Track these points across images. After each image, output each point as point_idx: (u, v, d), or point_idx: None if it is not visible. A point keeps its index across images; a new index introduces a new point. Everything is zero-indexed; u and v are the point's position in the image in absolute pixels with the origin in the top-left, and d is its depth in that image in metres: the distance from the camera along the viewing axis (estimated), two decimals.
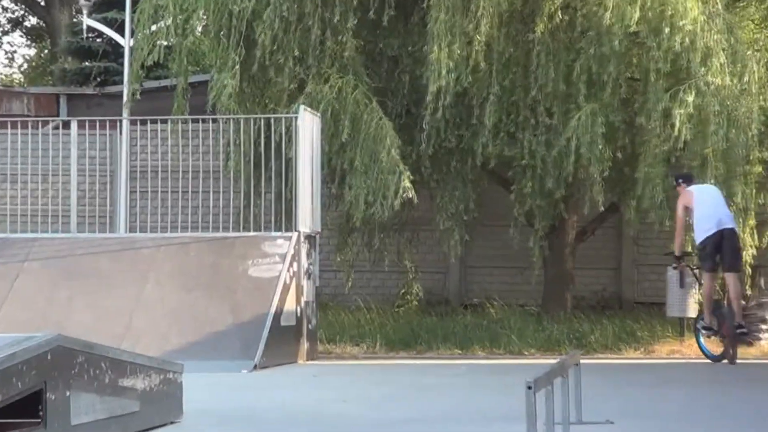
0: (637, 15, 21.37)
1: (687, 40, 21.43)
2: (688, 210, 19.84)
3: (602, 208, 23.86)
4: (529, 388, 8.13)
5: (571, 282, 24.99)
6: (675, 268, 20.56)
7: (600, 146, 21.46)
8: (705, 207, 19.71)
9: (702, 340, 20.26)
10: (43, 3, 54.69)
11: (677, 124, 21.16)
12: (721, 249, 19.48)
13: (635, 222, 23.86)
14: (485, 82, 22.05)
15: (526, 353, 21.28)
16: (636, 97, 22.27)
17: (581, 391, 10.87)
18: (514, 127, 22.42)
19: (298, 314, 19.92)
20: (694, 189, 20.02)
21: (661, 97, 21.44)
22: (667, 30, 21.39)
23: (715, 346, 20.10)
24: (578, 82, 21.74)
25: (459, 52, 21.33)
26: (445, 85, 21.29)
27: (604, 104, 21.71)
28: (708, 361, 19.80)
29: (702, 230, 19.59)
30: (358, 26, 23.11)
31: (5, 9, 57.66)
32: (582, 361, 11.21)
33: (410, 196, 21.76)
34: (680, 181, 20.25)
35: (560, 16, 22.05)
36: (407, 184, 21.61)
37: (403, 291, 26.09)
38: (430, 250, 26.09)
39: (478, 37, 21.32)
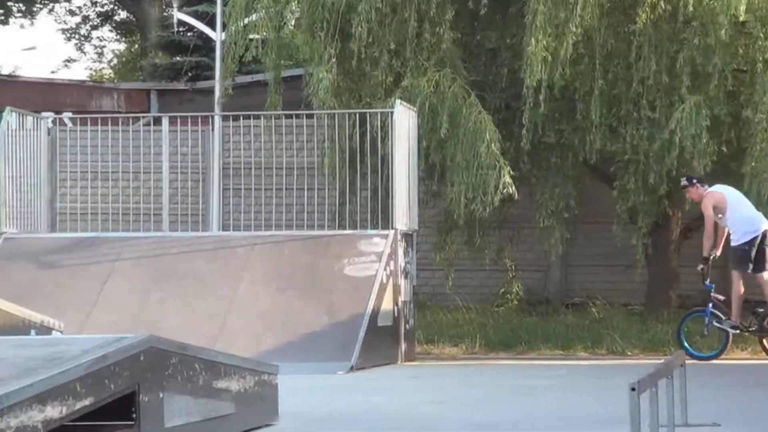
0: (744, 4, 21.27)
1: None
2: (717, 210, 19.95)
3: None
4: (633, 389, 8.16)
5: (675, 280, 24.91)
6: (702, 269, 20.46)
7: (704, 140, 21.39)
8: (746, 209, 20.07)
9: (684, 337, 20.49)
10: None
11: None
12: (759, 250, 19.79)
13: None
14: (587, 75, 22.03)
15: (630, 354, 21.25)
16: (742, 89, 22.15)
17: (686, 392, 10.88)
18: (616, 121, 22.40)
19: (396, 314, 19.98)
20: (722, 190, 20.23)
21: None
22: None
23: (701, 346, 20.57)
24: (682, 73, 21.66)
25: (558, 44, 21.30)
26: (544, 79, 21.28)
27: (708, 97, 21.62)
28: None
29: (747, 232, 19.89)
30: (455, 18, 23.16)
31: (94, 3, 58.00)
32: (687, 362, 11.22)
33: (511, 191, 21.75)
34: (694, 181, 20.40)
35: (663, 6, 21.99)
36: (508, 179, 21.59)
37: (503, 290, 26.10)
38: (531, 248, 26.09)
39: (578, 29, 21.31)
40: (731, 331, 20.22)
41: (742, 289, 20.17)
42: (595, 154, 22.63)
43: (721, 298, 20.46)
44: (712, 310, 20.32)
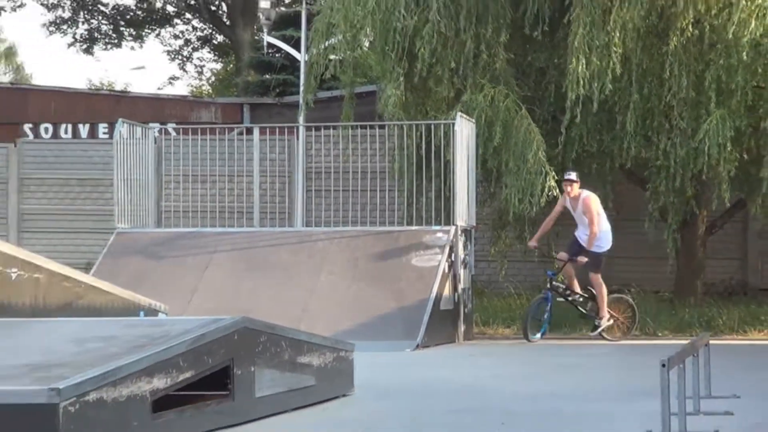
0: (762, 29, 21.22)
1: None
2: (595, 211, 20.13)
3: (729, 205, 23.63)
4: (663, 366, 8.17)
5: (701, 271, 24.81)
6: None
7: (728, 148, 21.28)
8: (606, 221, 20.44)
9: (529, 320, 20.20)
10: (228, 22, 55.16)
11: None
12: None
13: (760, 217, 23.71)
14: (625, 91, 21.98)
15: (660, 335, 21.16)
16: (761, 104, 22.01)
17: (710, 369, 10.87)
18: (649, 131, 22.32)
19: (456, 299, 20.02)
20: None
21: None
22: None
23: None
24: (708, 90, 21.59)
25: (597, 63, 21.26)
26: (582, 94, 21.27)
27: (731, 110, 21.53)
28: None
29: (608, 241, 20.44)
30: (508, 41, 23.12)
31: (195, 28, 58.26)
32: (711, 342, 11.20)
33: (555, 194, 21.75)
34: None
35: (691, 31, 21.89)
36: (552, 183, 21.61)
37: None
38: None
39: (616, 49, 21.29)
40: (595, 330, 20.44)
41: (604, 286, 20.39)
42: (631, 161, 22.57)
43: (563, 286, 20.50)
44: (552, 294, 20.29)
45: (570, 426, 10.06)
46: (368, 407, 11.31)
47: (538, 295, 20.49)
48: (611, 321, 20.43)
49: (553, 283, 20.31)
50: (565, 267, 20.38)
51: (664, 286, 25.01)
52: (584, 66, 21.17)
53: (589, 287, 20.46)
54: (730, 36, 21.40)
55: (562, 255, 20.46)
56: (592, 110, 21.59)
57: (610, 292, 20.65)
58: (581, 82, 21.19)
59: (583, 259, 20.06)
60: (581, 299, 20.55)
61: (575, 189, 20.05)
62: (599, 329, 20.24)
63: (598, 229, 19.96)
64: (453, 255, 19.98)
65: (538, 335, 19.96)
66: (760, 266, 26.70)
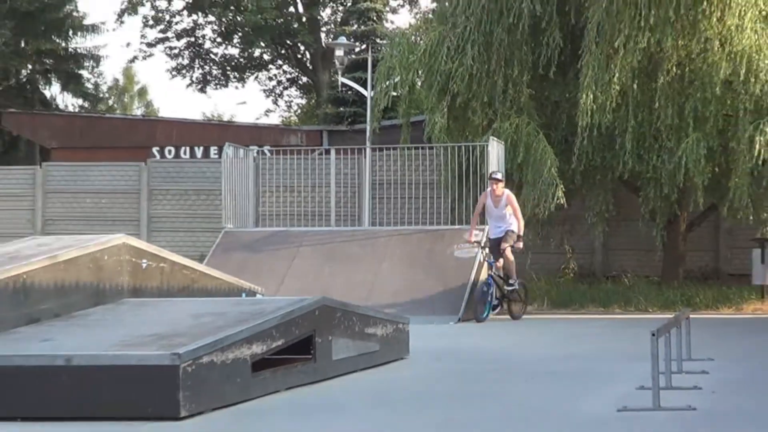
0: (730, 69, 21.11)
1: (766, 87, 21.16)
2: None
3: (703, 208, 23.47)
4: (653, 335, 8.13)
5: (682, 260, 24.61)
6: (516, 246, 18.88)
7: (702, 164, 21.15)
8: None
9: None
10: (311, 67, 55.27)
11: (758, 147, 20.85)
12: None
13: (728, 217, 23.56)
14: (623, 118, 21.85)
15: (650, 311, 21.02)
16: (729, 128, 21.83)
17: (690, 337, 10.80)
18: (642, 150, 22.18)
19: None
20: None
21: (747, 128, 21.06)
22: (752, 80, 21.06)
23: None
24: (687, 117, 21.43)
25: (602, 97, 21.19)
26: (589, 122, 21.22)
27: (706, 133, 21.36)
28: None
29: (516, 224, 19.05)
30: (530, 80, 23.06)
31: (285, 72, 58.35)
32: (691, 316, 11.14)
33: (562, 202, 21.77)
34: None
35: (674, 71, 21.74)
36: (560, 193, 21.63)
37: (563, 266, 25.91)
38: (582, 238, 25.88)
39: (616, 86, 21.21)
40: (508, 288, 18.79)
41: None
42: (627, 173, 22.44)
43: (500, 275, 18.74)
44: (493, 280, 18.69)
45: (580, 382, 10.01)
46: (421, 367, 11.30)
47: (481, 282, 18.70)
48: (518, 296, 19.14)
49: (493, 271, 18.63)
50: (498, 261, 18.69)
51: (653, 272, 24.84)
52: (591, 100, 21.11)
53: (499, 267, 18.70)
54: (705, 75, 21.32)
55: (498, 263, 18.71)
56: (597, 134, 21.49)
57: (610, 277, 20.49)
58: (589, 112, 21.14)
59: (520, 244, 18.77)
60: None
61: (500, 187, 18.85)
62: (513, 287, 18.80)
63: (521, 216, 19.00)
64: (487, 248, 19.91)
65: (485, 314, 18.41)
66: (729, 256, 26.44)
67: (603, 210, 23.46)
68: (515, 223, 18.77)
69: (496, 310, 19.29)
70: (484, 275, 19.51)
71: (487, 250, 19.00)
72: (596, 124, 21.30)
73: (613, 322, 18.93)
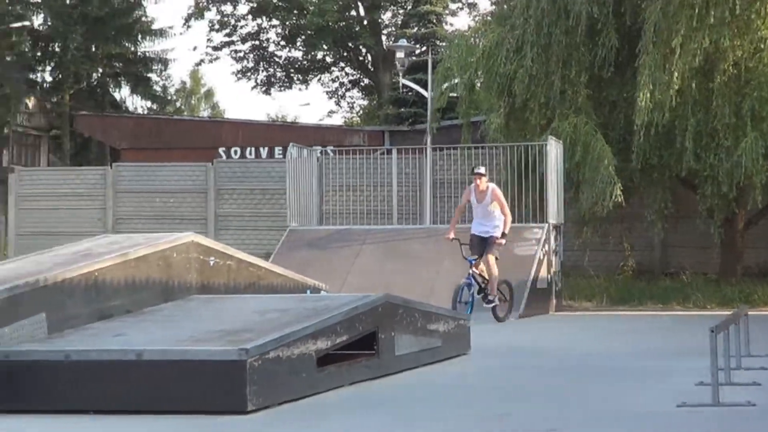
0: None
1: None
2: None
3: (761, 206, 23.28)
4: (712, 331, 8.06)
5: (740, 257, 24.40)
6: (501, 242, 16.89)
7: (760, 162, 21.00)
8: None
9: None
10: (372, 69, 55.36)
11: None
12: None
13: None
14: (682, 118, 21.73)
15: (709, 307, 20.84)
16: None
17: (749, 333, 10.70)
18: (700, 148, 22.01)
19: (549, 280, 19.90)
20: None
21: None
22: None
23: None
24: (745, 116, 21.28)
25: (659, 97, 21.07)
26: (646, 121, 21.10)
27: (763, 132, 21.22)
28: None
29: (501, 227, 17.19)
30: (588, 80, 23.02)
31: (347, 74, 58.50)
32: (749, 312, 11.04)
33: (620, 200, 21.67)
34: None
35: (731, 71, 21.60)
36: (618, 191, 21.53)
37: (621, 264, 25.75)
38: (641, 235, 25.70)
39: (674, 86, 21.06)
40: (486, 305, 16.92)
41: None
42: (685, 171, 22.29)
43: (479, 273, 16.82)
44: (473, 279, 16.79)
45: (639, 378, 9.94)
46: (482, 363, 11.27)
47: (462, 281, 16.78)
48: (499, 301, 17.29)
49: (474, 270, 16.80)
50: (478, 263, 16.91)
51: (711, 269, 24.63)
52: (648, 99, 20.98)
53: (481, 273, 16.93)
54: (762, 75, 21.16)
55: (477, 264, 16.88)
56: (654, 133, 21.36)
57: (668, 274, 20.29)
58: (646, 111, 21.02)
59: (502, 241, 16.92)
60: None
61: (483, 182, 17.24)
62: (492, 304, 17.03)
63: (509, 212, 17.30)
64: (546, 246, 19.85)
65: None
66: None
67: (661, 208, 23.32)
68: (502, 222, 17.03)
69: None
70: (543, 272, 19.45)
71: (465, 248, 17.23)
72: (654, 123, 21.18)
73: (672, 318, 18.79)
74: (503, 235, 16.97)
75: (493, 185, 17.46)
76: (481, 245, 17.03)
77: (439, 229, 21.25)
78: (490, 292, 16.98)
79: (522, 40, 22.85)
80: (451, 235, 17.45)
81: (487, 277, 16.99)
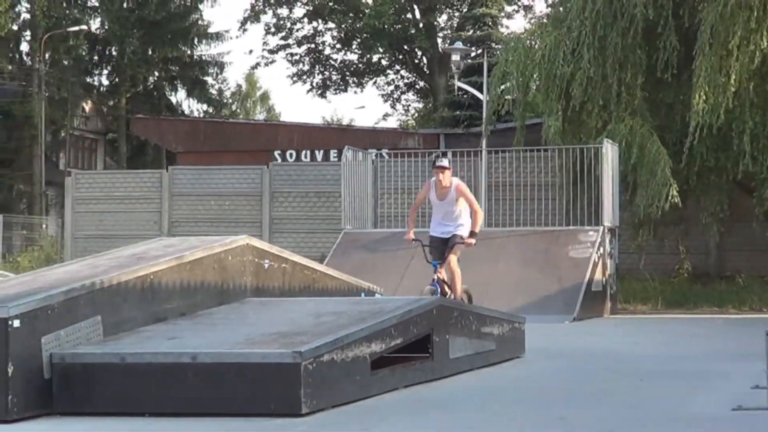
0: None
1: None
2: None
3: None
4: (767, 334, 8.00)
5: None
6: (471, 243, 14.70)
7: None
8: None
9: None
10: (427, 72, 55.40)
11: None
12: None
13: None
14: (739, 120, 21.60)
15: (765, 311, 20.68)
16: None
17: None
18: (756, 151, 21.87)
19: (604, 283, 19.81)
20: None
21: None
22: None
23: None
24: None
25: (715, 99, 20.93)
26: (702, 123, 20.98)
27: None
28: None
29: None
30: (644, 83, 22.96)
31: (403, 77, 58.58)
32: None
33: (677, 201, 21.56)
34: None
35: None
36: (674, 193, 21.43)
37: (677, 267, 25.61)
38: (696, 238, 25.58)
39: (730, 88, 20.91)
40: None
41: None
42: (741, 174, 22.14)
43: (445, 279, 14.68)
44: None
45: (694, 381, 9.87)
46: (536, 366, 11.23)
47: (426, 288, 14.53)
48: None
49: (438, 275, 14.62)
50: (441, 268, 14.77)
51: (767, 272, 24.48)
52: (704, 102, 20.86)
53: (441, 275, 14.72)
54: None
55: (440, 272, 14.73)
56: (710, 135, 21.23)
57: (724, 277, 20.13)
58: (702, 114, 20.90)
59: (471, 241, 14.64)
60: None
61: (447, 177, 14.59)
62: None
63: (480, 209, 14.95)
64: (601, 248, 19.77)
65: None
66: None
67: (717, 211, 23.19)
68: (468, 222, 14.70)
69: None
70: (598, 275, 19.36)
71: (428, 250, 15.08)
72: (710, 125, 21.03)
73: (728, 321, 18.64)
74: (473, 234, 14.59)
75: (457, 180, 14.84)
76: (443, 247, 14.73)
77: (493, 232, 21.25)
78: (454, 294, 14.50)
79: (578, 43, 22.78)
80: (411, 236, 15.28)
81: (449, 282, 14.69)
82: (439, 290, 14.42)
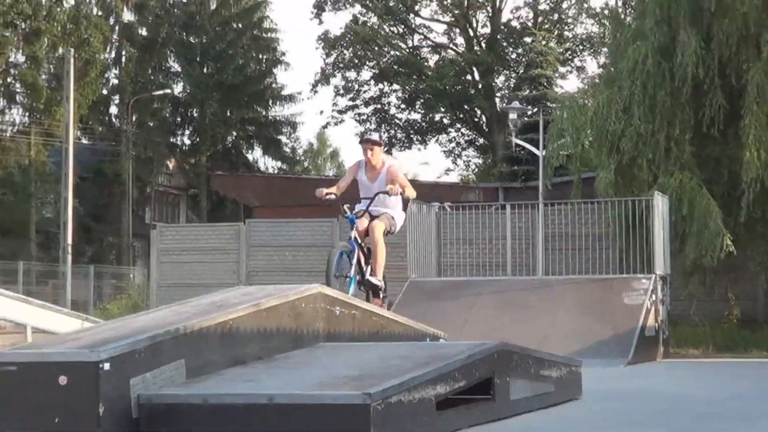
0: None
1: None
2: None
3: None
4: None
5: None
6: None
7: None
8: None
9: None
10: (486, 130, 55.50)
11: None
12: None
13: None
14: None
15: None
16: None
17: None
18: None
19: (656, 328, 19.59)
20: None
21: None
22: None
23: None
24: None
25: (765, 155, 20.85)
26: (753, 177, 20.84)
27: None
28: None
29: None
30: (691, 138, 22.88)
31: (463, 134, 58.73)
32: None
33: (731, 250, 21.36)
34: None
35: None
36: (728, 242, 21.26)
37: (727, 313, 25.31)
38: (745, 286, 25.29)
39: None
40: (372, 280, 12.78)
41: None
42: None
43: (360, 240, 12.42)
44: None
45: (747, 422, 9.72)
46: (593, 407, 11.11)
47: (340, 244, 12.47)
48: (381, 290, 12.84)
49: (356, 233, 12.27)
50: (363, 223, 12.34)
51: None
52: (756, 157, 20.76)
53: (362, 232, 12.39)
54: None
55: (361, 222, 12.33)
56: (759, 188, 21.13)
57: None
58: (753, 169, 20.78)
59: (397, 189, 12.11)
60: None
61: (377, 154, 12.31)
62: (378, 284, 12.75)
63: (413, 192, 12.45)
64: (654, 295, 19.57)
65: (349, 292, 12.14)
66: None
67: (765, 259, 22.95)
68: (401, 212, 12.64)
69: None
70: (651, 321, 19.15)
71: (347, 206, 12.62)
72: (760, 179, 20.92)
73: None
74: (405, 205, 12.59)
75: (391, 160, 12.51)
76: (369, 216, 12.31)
77: (550, 281, 21.17)
78: (374, 272, 12.42)
79: (629, 101, 22.78)
80: (326, 190, 12.56)
81: (371, 249, 12.28)
82: (356, 250, 12.06)
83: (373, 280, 12.45)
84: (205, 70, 57.26)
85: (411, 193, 12.32)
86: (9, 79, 52.64)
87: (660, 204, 20.54)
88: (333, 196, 12.34)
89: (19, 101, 53.26)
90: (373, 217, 12.30)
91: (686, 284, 24.08)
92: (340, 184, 12.65)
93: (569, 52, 56.22)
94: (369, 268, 12.34)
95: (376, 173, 12.26)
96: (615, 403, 11.61)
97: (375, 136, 12.56)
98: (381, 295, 12.74)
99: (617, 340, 18.59)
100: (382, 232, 12.07)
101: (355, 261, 12.07)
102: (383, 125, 57.28)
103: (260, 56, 59.58)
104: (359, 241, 12.06)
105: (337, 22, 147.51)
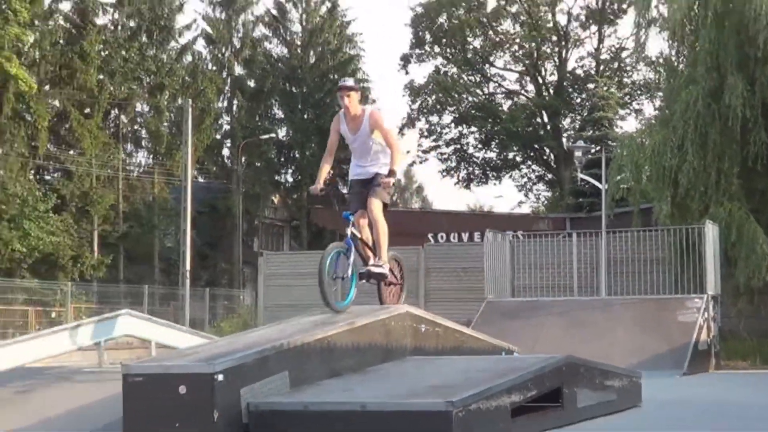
0: None
1: None
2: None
3: None
4: None
5: None
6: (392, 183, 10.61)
7: None
8: None
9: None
10: (554, 166, 55.18)
11: None
12: None
13: None
14: None
15: None
16: None
17: None
18: None
19: (708, 343, 19.31)
20: None
21: None
22: None
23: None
24: None
25: None
26: None
27: None
28: None
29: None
30: (738, 171, 22.64)
31: (534, 170, 58.44)
32: None
33: None
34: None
35: None
36: None
37: None
38: None
39: None
40: (375, 269, 10.50)
41: None
42: None
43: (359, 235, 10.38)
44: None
45: None
46: (652, 414, 10.97)
47: (333, 245, 10.22)
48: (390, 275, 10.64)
49: (353, 229, 10.21)
50: (359, 219, 10.38)
51: None
52: None
53: (362, 227, 10.40)
54: None
55: (358, 219, 10.33)
56: None
57: None
58: None
59: (389, 180, 10.11)
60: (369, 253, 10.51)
61: (354, 101, 10.06)
62: (380, 269, 10.36)
63: (398, 144, 10.28)
64: (706, 313, 19.30)
65: (346, 302, 10.37)
66: None
67: None
68: (387, 159, 10.21)
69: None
70: (704, 336, 18.85)
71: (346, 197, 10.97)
72: None
73: None
74: (391, 173, 10.15)
75: (371, 108, 10.36)
76: (363, 193, 10.31)
77: (612, 300, 20.98)
78: (378, 255, 10.32)
79: (683, 139, 22.66)
80: (319, 186, 10.45)
81: (372, 238, 10.36)
82: (352, 247, 10.17)
83: (374, 269, 10.30)
84: (305, 116, 57.72)
85: (395, 142, 10.22)
86: (136, 127, 53.66)
87: (711, 231, 20.30)
88: (321, 192, 10.53)
89: (144, 146, 54.27)
90: (366, 181, 10.28)
91: (735, 303, 23.68)
92: (330, 147, 10.37)
93: (628, 97, 55.73)
94: (375, 264, 10.33)
95: (357, 122, 10.12)
96: (672, 410, 11.46)
97: (350, 82, 10.20)
98: (393, 282, 10.75)
99: (673, 354, 18.35)
100: (380, 209, 10.11)
101: (352, 260, 10.16)
102: (462, 163, 57.26)
103: None
104: (358, 236, 10.22)
105: (421, 72, 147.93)
